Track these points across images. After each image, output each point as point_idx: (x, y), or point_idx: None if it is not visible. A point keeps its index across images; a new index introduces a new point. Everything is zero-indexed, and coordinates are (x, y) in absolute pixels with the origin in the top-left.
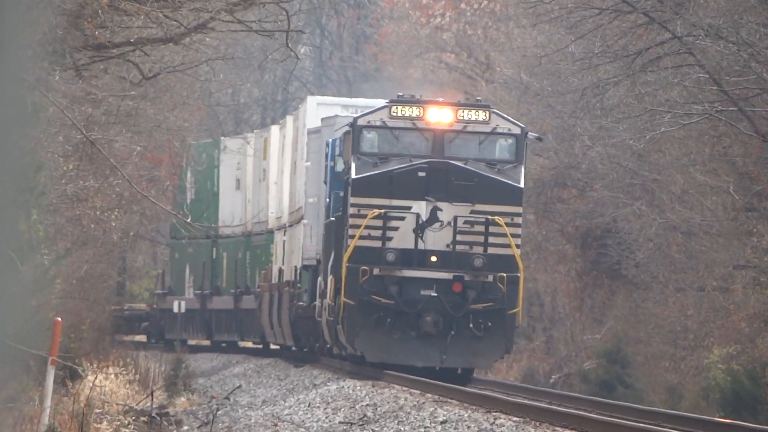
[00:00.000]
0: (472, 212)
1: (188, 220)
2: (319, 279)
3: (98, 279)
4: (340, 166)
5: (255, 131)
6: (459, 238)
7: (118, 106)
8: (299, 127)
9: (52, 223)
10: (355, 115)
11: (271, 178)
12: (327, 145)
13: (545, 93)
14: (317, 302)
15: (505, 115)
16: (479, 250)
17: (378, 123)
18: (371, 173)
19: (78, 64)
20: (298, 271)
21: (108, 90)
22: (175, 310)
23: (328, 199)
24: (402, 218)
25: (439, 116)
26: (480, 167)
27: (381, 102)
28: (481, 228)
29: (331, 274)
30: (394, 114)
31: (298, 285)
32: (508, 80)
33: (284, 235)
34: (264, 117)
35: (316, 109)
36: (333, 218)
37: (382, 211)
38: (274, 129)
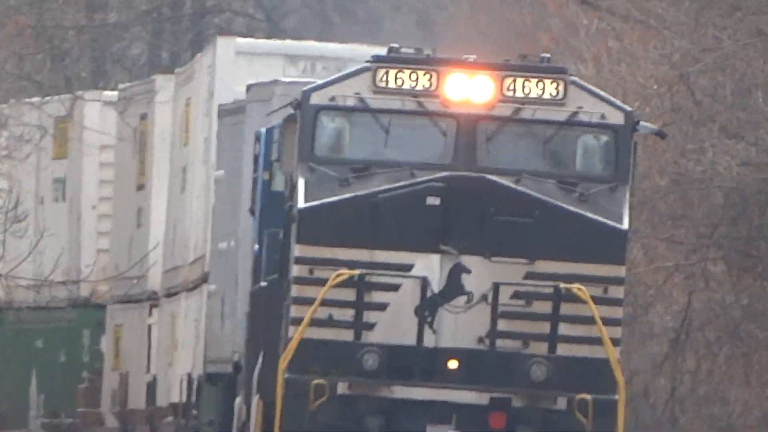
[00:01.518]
0: (528, 276)
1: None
2: (237, 401)
3: None
4: (280, 182)
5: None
6: (503, 325)
7: None
8: (198, 98)
9: None
10: (308, 85)
11: (87, 198)
12: (257, 139)
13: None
14: None
15: (595, 89)
16: (541, 349)
17: (350, 101)
18: (335, 199)
19: None
20: (195, 385)
21: None
22: None
23: (258, 246)
24: (394, 287)
25: (469, 90)
26: (546, 189)
27: (370, 52)
28: (546, 306)
29: (258, 393)
30: (381, 84)
31: (194, 413)
32: None
33: (150, 313)
34: (153, 60)
35: (235, 62)
36: (265, 283)
37: (356, 272)
38: (92, 101)
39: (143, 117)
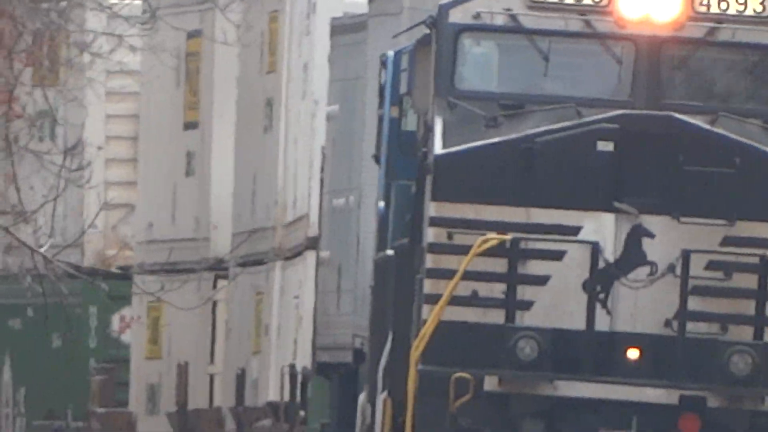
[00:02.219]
0: (727, 241)
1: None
2: (360, 398)
3: None
4: (412, 121)
5: None
6: (695, 304)
7: None
8: (291, 12)
9: None
10: None
11: (91, 139)
12: (382, 65)
13: None
14: None
15: None
16: (744, 334)
17: (500, 19)
18: (481, 144)
19: None
20: (300, 379)
21: None
22: None
23: (383, 203)
24: (557, 255)
25: (650, 5)
26: (749, 131)
27: None
28: (750, 280)
29: (385, 390)
30: None
31: (301, 414)
32: None
33: (215, 286)
34: None
35: None
36: (393, 250)
37: (508, 236)
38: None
39: (194, 34)
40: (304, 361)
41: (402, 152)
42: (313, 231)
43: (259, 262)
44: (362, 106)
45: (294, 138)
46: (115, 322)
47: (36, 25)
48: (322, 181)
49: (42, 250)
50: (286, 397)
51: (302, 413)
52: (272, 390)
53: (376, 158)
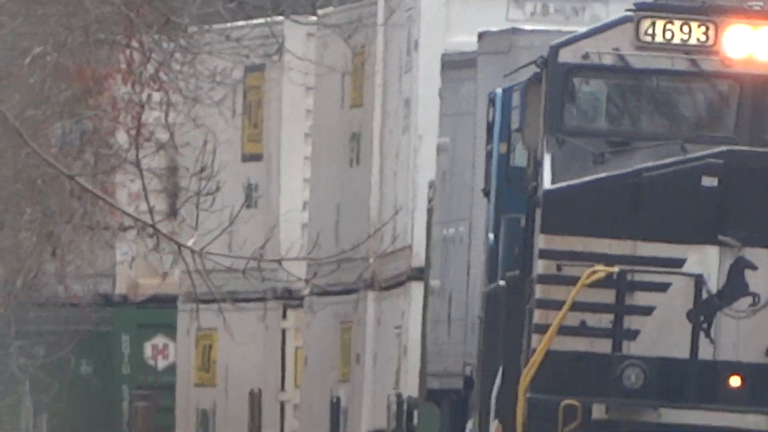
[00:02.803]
0: None
1: (200, 249)
2: (469, 425)
3: None
4: (520, 157)
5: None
6: None
7: None
8: (389, 49)
9: None
10: (558, 39)
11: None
12: (491, 103)
13: None
14: None
15: None
16: None
17: (608, 59)
18: (589, 179)
19: None
20: (406, 407)
21: None
22: None
23: (491, 235)
24: (662, 287)
25: (755, 45)
26: None
27: None
28: None
29: (495, 418)
30: (646, 38)
31: None
32: None
33: (285, 315)
34: None
35: (445, 5)
36: (502, 282)
37: (615, 268)
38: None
39: (252, 69)
40: (408, 389)
41: (510, 187)
42: (417, 262)
43: (345, 292)
44: (472, 140)
45: (392, 172)
46: (148, 350)
47: (162, 55)
48: (430, 211)
49: (189, 243)
50: (384, 425)
51: None
52: (365, 419)
53: (486, 193)
